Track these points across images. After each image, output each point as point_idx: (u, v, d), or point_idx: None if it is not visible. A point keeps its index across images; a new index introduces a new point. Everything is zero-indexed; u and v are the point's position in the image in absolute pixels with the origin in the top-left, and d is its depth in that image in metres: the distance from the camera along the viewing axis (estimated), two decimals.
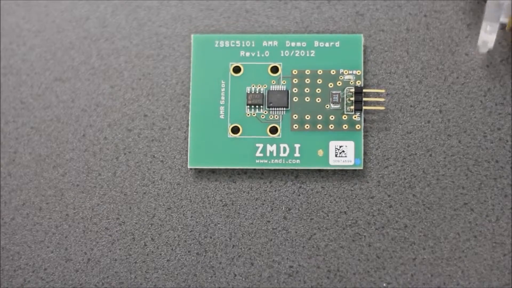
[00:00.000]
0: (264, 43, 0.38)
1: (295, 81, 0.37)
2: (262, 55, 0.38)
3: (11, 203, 0.38)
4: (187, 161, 0.38)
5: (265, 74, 0.37)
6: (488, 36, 0.35)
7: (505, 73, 0.37)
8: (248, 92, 0.37)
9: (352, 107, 0.37)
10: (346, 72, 0.37)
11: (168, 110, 0.38)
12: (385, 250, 0.37)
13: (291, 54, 0.37)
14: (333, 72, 0.37)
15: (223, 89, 0.37)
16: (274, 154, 0.37)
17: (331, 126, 0.37)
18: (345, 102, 0.37)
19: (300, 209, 0.37)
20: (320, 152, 0.37)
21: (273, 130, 0.37)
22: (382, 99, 0.37)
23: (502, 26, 0.35)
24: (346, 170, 0.37)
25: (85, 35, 0.39)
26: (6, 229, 0.38)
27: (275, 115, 0.37)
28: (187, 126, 0.38)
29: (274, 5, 0.39)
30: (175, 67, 0.38)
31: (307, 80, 0.37)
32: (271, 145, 0.37)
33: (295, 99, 0.37)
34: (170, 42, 0.39)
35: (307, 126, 0.37)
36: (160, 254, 0.37)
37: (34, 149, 0.38)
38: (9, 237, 0.38)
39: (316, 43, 0.37)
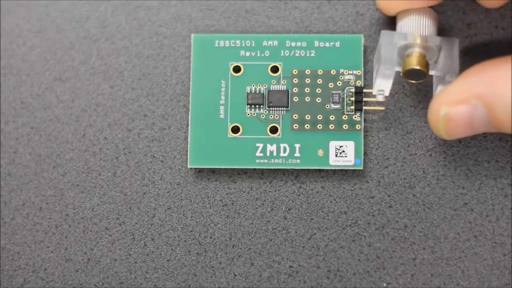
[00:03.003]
0: (264, 43, 0.38)
1: (295, 81, 0.37)
2: (262, 55, 0.38)
3: (11, 203, 0.38)
4: (187, 161, 0.38)
5: (265, 74, 0.37)
6: (383, 85, 0.36)
7: None
8: (248, 92, 0.37)
9: (352, 107, 0.37)
10: (346, 72, 0.37)
11: (168, 110, 0.38)
12: (385, 250, 0.37)
13: (291, 54, 0.37)
14: (333, 72, 0.37)
15: (223, 89, 0.37)
16: (274, 154, 0.37)
17: (331, 126, 0.37)
18: (345, 102, 0.37)
19: (300, 209, 0.37)
20: (320, 152, 0.37)
21: (273, 130, 0.37)
22: (382, 99, 0.37)
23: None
24: (346, 170, 0.37)
25: (85, 35, 0.39)
26: (6, 229, 0.38)
27: (275, 115, 0.37)
28: (187, 126, 0.38)
29: (274, 5, 0.39)
30: (175, 67, 0.38)
31: (307, 80, 0.37)
32: (271, 145, 0.37)
33: (295, 99, 0.37)
34: (170, 42, 0.39)
35: (307, 126, 0.37)
36: (160, 254, 0.37)
37: (34, 149, 0.38)
38: (9, 237, 0.38)
39: (316, 43, 0.37)
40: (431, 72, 0.35)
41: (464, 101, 0.33)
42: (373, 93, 0.36)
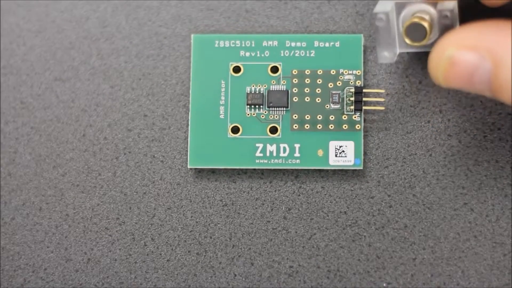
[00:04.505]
0: (264, 43, 0.38)
1: (295, 81, 0.37)
2: (262, 55, 0.38)
3: (11, 203, 0.38)
4: (187, 161, 0.38)
5: (265, 74, 0.37)
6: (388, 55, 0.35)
7: None
8: (248, 92, 0.37)
9: (352, 107, 0.37)
10: (346, 72, 0.37)
11: (168, 110, 0.38)
12: (385, 250, 0.37)
13: (291, 54, 0.37)
14: (333, 72, 0.37)
15: (223, 89, 0.37)
16: (274, 154, 0.37)
17: (331, 126, 0.37)
18: (345, 102, 0.37)
19: (300, 209, 0.37)
20: (320, 152, 0.37)
21: (273, 130, 0.37)
22: (382, 99, 0.37)
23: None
24: (346, 170, 0.37)
25: (85, 35, 0.39)
26: (6, 229, 0.38)
27: (275, 115, 0.37)
28: (187, 126, 0.38)
29: (274, 5, 0.39)
30: (175, 67, 0.38)
31: (307, 80, 0.37)
32: (271, 145, 0.37)
33: (295, 99, 0.37)
34: (170, 42, 0.39)
35: (307, 126, 0.37)
36: (160, 254, 0.37)
37: (34, 149, 0.38)
38: (9, 237, 0.38)
39: (316, 43, 0.37)
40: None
41: (474, 49, 0.31)
42: (379, 61, 0.36)
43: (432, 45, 0.35)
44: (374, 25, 0.35)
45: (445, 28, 0.34)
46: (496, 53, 0.31)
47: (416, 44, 0.34)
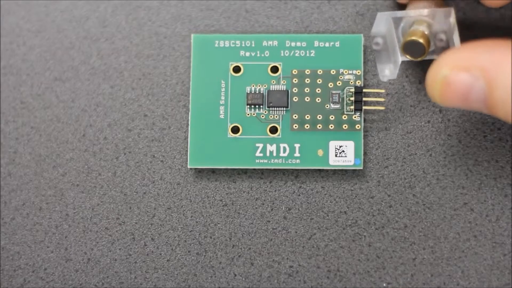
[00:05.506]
0: (264, 43, 0.38)
1: (295, 81, 0.37)
2: (262, 55, 0.38)
3: (11, 203, 0.38)
4: (187, 161, 0.38)
5: (265, 74, 0.37)
6: (388, 71, 0.35)
7: None
8: (248, 92, 0.37)
9: (352, 107, 0.37)
10: (346, 72, 0.37)
11: (168, 110, 0.38)
12: (385, 250, 0.37)
13: (291, 54, 0.37)
14: (333, 72, 0.37)
15: (223, 89, 0.37)
16: (274, 154, 0.37)
17: (331, 126, 0.37)
18: (345, 102, 0.37)
19: (300, 209, 0.37)
20: (320, 152, 0.37)
21: (273, 130, 0.37)
22: (382, 99, 0.37)
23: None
24: (346, 170, 0.37)
25: (85, 35, 0.39)
26: (6, 229, 0.38)
27: (275, 115, 0.37)
28: (187, 126, 0.38)
29: (274, 5, 0.39)
30: (175, 67, 0.38)
31: (307, 80, 0.37)
32: (271, 145, 0.37)
33: (295, 99, 0.37)
34: (170, 42, 0.39)
35: (307, 126, 0.37)
36: (160, 254, 0.37)
37: (34, 149, 0.38)
38: (9, 237, 0.38)
39: (316, 43, 0.37)
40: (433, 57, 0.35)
41: (467, 69, 0.32)
42: (381, 79, 0.36)
43: (434, 52, 0.35)
44: (372, 48, 0.35)
45: (442, 49, 0.34)
46: (489, 72, 0.31)
47: (417, 59, 0.34)
